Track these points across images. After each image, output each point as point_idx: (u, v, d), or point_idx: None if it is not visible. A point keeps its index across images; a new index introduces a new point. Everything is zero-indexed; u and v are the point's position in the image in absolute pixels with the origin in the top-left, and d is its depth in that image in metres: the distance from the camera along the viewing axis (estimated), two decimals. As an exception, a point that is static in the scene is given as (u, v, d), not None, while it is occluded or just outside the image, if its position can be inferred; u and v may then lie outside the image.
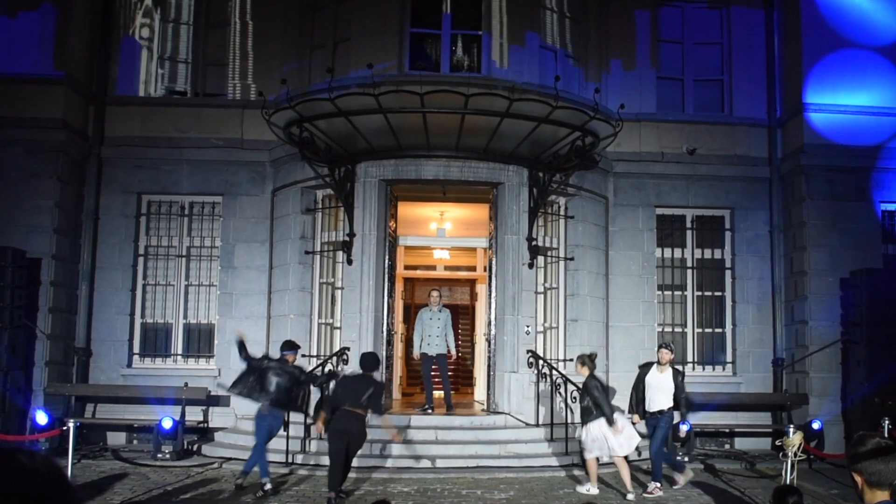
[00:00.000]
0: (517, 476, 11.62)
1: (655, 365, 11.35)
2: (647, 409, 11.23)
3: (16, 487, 1.47)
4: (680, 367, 11.83)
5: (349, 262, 13.92)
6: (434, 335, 14.20)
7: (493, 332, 14.07)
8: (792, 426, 10.61)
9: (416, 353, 14.77)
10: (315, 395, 12.05)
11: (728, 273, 15.84)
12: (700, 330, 15.80)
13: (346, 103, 12.30)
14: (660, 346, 11.75)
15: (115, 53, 15.44)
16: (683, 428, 11.34)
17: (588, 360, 11.07)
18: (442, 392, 14.93)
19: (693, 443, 13.63)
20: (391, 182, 14.11)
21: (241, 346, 11.01)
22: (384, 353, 13.78)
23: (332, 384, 11.58)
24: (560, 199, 14.88)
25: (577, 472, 12.12)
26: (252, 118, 14.77)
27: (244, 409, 14.67)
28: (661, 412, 11.11)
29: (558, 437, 12.81)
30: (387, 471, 11.77)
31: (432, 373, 14.69)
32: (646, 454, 12.05)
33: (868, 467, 3.24)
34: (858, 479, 3.29)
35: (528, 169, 14.07)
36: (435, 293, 14.61)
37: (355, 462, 11.96)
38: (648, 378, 11.26)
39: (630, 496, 10.45)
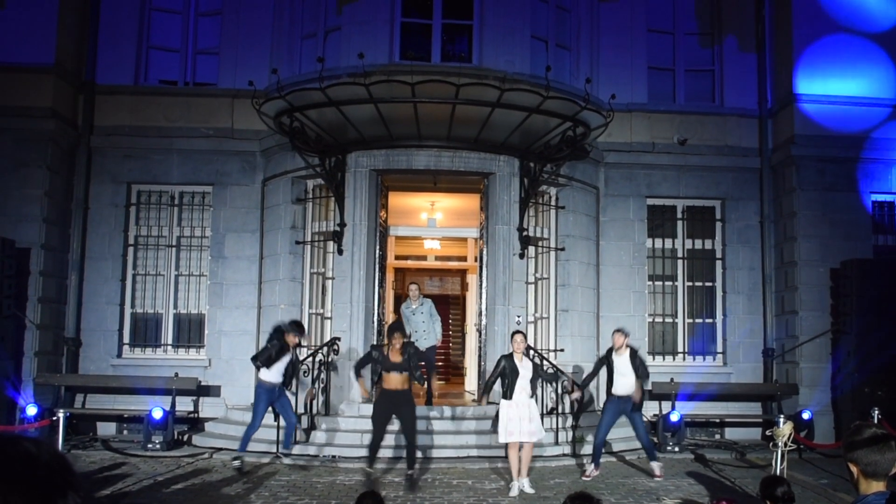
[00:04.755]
0: (507, 465, 11.62)
1: (614, 351, 11.50)
2: (613, 391, 11.37)
3: (21, 473, 1.47)
4: (636, 347, 11.88)
5: (340, 252, 13.89)
6: (420, 329, 14.14)
7: (483, 322, 14.06)
8: (782, 416, 10.66)
9: None
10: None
11: (719, 263, 15.87)
12: (690, 320, 15.84)
13: (336, 93, 12.27)
14: (614, 331, 11.78)
15: (105, 42, 15.33)
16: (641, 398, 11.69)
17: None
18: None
19: (683, 432, 13.68)
20: (382, 172, 14.07)
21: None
22: (375, 343, 13.77)
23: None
24: (551, 189, 14.87)
25: (566, 462, 12.16)
26: (242, 108, 14.71)
27: (235, 399, 14.71)
28: (629, 396, 11.30)
29: (549, 427, 12.83)
30: (376, 461, 11.76)
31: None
32: (625, 443, 12.10)
33: (864, 457, 3.23)
34: (854, 468, 3.28)
35: (519, 159, 14.05)
36: (413, 286, 14.48)
37: (343, 452, 12.03)
38: (615, 362, 11.43)
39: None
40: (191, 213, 15.45)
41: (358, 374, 11.23)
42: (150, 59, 15.82)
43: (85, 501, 1.54)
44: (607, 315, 15.28)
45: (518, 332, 11.32)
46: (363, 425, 12.74)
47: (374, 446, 10.65)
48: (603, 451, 11.55)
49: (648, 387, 12.28)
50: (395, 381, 10.51)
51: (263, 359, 11.30)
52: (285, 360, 11.42)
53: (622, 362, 11.33)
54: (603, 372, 11.73)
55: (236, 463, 10.99)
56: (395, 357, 10.54)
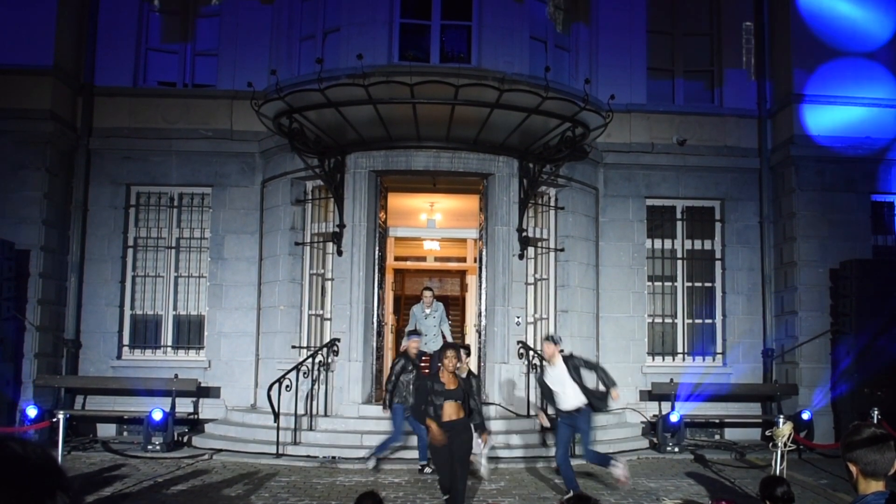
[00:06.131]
0: (508, 467, 11.64)
1: (546, 363, 10.54)
2: (559, 408, 10.14)
3: (8, 475, 1.46)
4: (569, 353, 10.62)
5: (339, 253, 13.89)
6: (430, 334, 14.15)
7: (483, 323, 14.06)
8: (782, 416, 10.64)
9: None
10: None
11: (718, 264, 15.86)
12: (690, 321, 15.83)
13: (335, 94, 12.26)
14: (544, 339, 10.81)
15: (104, 44, 15.33)
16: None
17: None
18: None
19: (683, 433, 13.68)
20: (381, 173, 14.07)
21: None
22: (374, 345, 13.79)
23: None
24: (550, 189, 14.87)
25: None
26: (241, 109, 14.68)
27: (234, 400, 14.71)
28: (577, 410, 9.99)
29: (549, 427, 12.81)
30: (377, 461, 11.78)
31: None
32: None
33: (863, 457, 3.24)
34: (853, 468, 3.28)
35: (518, 160, 14.05)
36: (428, 293, 14.46)
37: (343, 453, 12.03)
38: (547, 378, 10.30)
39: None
40: (190, 214, 15.45)
41: (423, 417, 9.01)
42: (149, 60, 15.82)
43: (74, 502, 1.53)
44: (607, 316, 15.29)
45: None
46: (363, 426, 12.77)
47: (447, 489, 8.85)
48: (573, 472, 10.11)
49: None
50: (448, 410, 8.87)
51: (399, 392, 11.42)
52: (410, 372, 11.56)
53: (557, 373, 10.16)
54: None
55: (371, 462, 11.31)
56: (450, 383, 8.91)
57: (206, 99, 15.46)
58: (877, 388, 13.45)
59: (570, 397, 10.02)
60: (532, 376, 13.41)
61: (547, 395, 10.34)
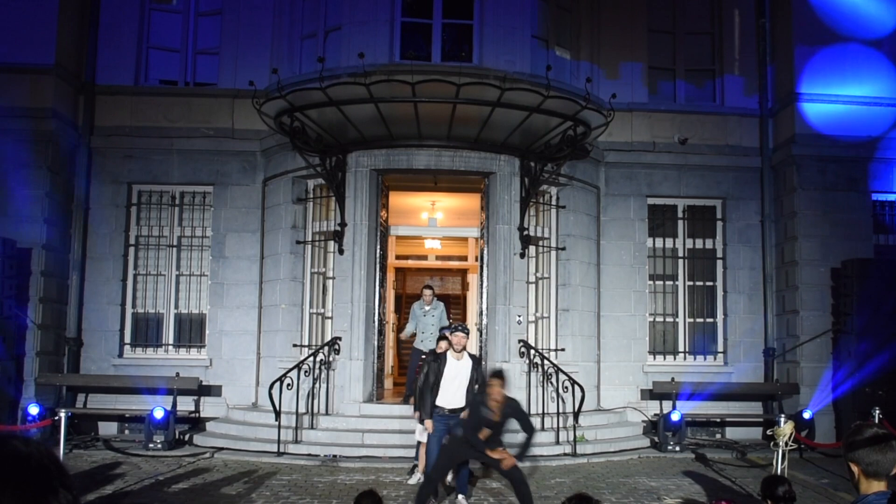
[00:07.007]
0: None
1: (450, 352, 9.77)
2: (439, 403, 9.54)
3: (11, 473, 1.47)
4: (477, 354, 10.07)
5: (340, 251, 13.89)
6: (429, 332, 14.12)
7: (484, 321, 14.05)
8: (783, 416, 10.64)
9: (405, 334, 14.76)
10: None
11: (719, 263, 15.85)
12: (691, 320, 15.82)
13: (337, 93, 12.26)
14: (454, 329, 9.90)
15: (105, 42, 15.33)
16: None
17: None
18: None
19: (684, 432, 13.68)
20: (382, 172, 14.07)
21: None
22: (376, 343, 13.79)
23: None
24: (552, 188, 14.87)
25: (567, 462, 12.14)
26: (243, 108, 14.72)
27: (236, 398, 14.71)
28: (457, 411, 9.45)
29: (549, 426, 12.83)
30: (379, 460, 11.78)
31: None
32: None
33: (865, 457, 3.24)
34: (855, 468, 3.28)
35: (519, 158, 14.05)
36: (428, 291, 14.38)
37: (344, 451, 12.02)
38: (447, 369, 9.63)
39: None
40: (191, 213, 15.45)
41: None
42: (151, 59, 15.81)
43: (76, 500, 1.54)
44: (608, 315, 15.29)
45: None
46: (364, 425, 12.77)
47: (425, 492, 8.49)
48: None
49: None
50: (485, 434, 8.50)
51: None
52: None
53: (458, 369, 9.59)
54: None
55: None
56: (494, 413, 8.43)
57: (207, 97, 15.46)
58: (878, 387, 13.45)
59: (456, 396, 9.54)
60: (534, 375, 13.43)
61: (433, 388, 9.57)
